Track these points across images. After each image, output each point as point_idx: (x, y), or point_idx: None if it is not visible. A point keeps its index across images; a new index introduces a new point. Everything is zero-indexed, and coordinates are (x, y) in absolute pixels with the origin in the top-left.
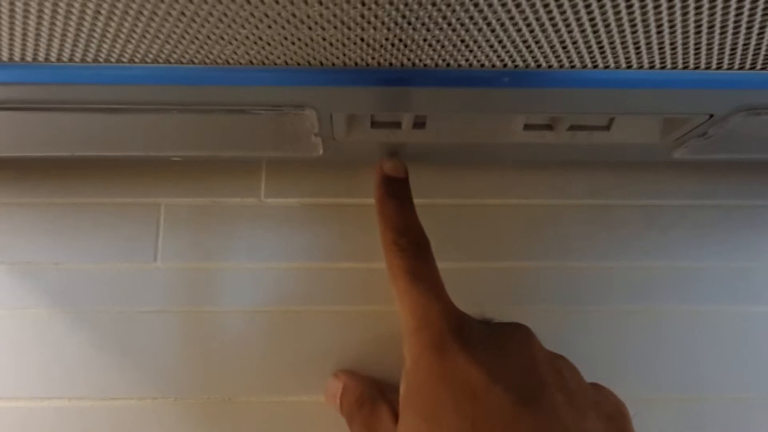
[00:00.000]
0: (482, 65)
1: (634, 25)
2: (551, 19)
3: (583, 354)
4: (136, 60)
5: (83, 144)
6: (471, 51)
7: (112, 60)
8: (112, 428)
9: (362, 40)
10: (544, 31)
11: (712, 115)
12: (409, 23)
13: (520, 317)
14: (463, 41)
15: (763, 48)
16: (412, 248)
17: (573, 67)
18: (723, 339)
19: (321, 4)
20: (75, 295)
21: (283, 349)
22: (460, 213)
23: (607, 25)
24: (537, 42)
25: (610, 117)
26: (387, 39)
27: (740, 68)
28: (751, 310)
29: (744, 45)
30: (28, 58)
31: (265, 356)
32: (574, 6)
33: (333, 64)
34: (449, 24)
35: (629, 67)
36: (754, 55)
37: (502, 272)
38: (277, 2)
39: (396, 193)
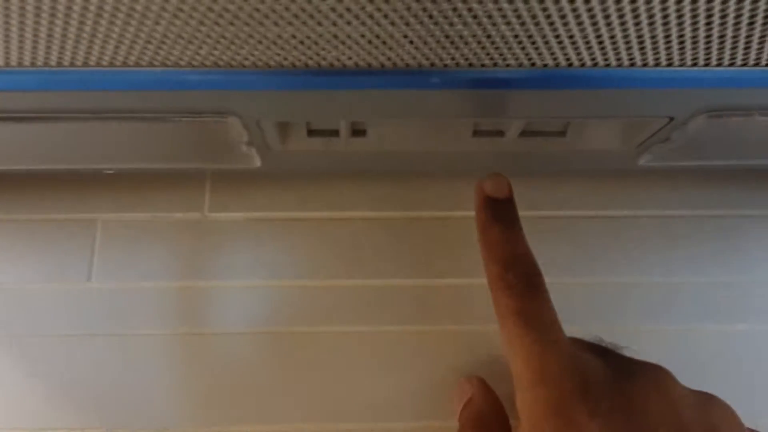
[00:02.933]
0: (407, 64)
1: (592, 18)
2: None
3: None
4: (38, 64)
5: (5, 157)
6: (391, 48)
7: (13, 65)
8: None
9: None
10: (493, 20)
11: (672, 118)
12: (336, 18)
13: None
14: (378, 36)
15: (728, 42)
16: (521, 284)
17: (521, 65)
18: (699, 361)
19: None
20: (4, 318)
21: (211, 376)
22: (414, 226)
23: (563, 16)
24: (474, 36)
25: (565, 122)
26: (309, 36)
27: (697, 65)
28: (729, 329)
29: (705, 39)
30: None
31: (201, 384)
32: None
33: (255, 66)
34: (357, 17)
35: (582, 65)
36: (719, 50)
37: (458, 287)
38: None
39: (500, 216)
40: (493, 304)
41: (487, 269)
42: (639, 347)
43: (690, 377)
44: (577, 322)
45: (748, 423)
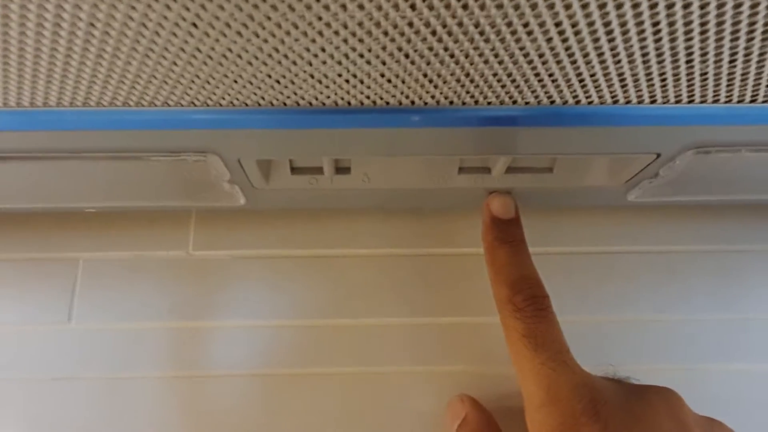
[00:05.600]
0: (387, 102)
1: (571, 57)
2: (473, 51)
3: None
4: (16, 104)
5: None
6: (369, 87)
7: None
8: None
9: (270, 76)
10: (471, 59)
11: (659, 155)
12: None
13: None
14: (355, 75)
15: (710, 80)
16: (530, 307)
17: (502, 103)
18: (698, 402)
19: (198, 35)
20: None
21: (197, 420)
22: (402, 263)
23: (542, 55)
24: (453, 74)
25: (551, 158)
26: (285, 75)
27: (681, 102)
28: (728, 368)
29: (687, 76)
30: None
31: (186, 428)
32: (499, 34)
33: (233, 104)
34: (332, 57)
35: (565, 103)
36: (702, 87)
37: (443, 327)
38: (159, 35)
39: (507, 237)
40: (501, 327)
41: (494, 291)
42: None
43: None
44: (577, 357)
45: None
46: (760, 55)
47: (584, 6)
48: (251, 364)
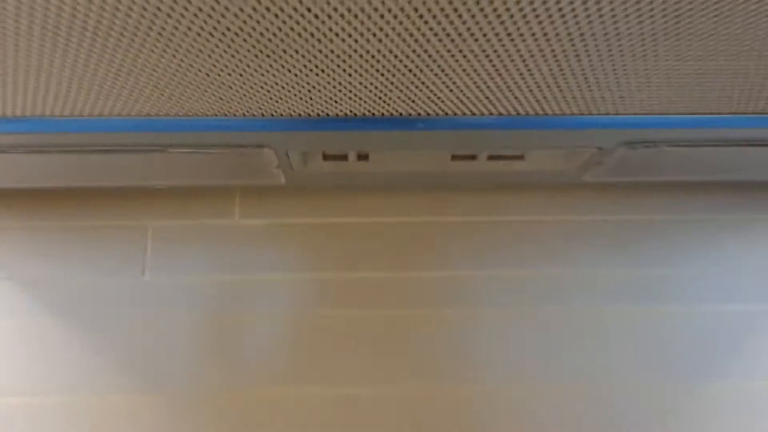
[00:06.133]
0: (400, 113)
1: (530, 88)
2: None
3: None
4: (136, 113)
5: (82, 177)
6: (388, 104)
7: (106, 114)
8: (101, 420)
9: (308, 93)
10: (462, 90)
11: (600, 148)
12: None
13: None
14: (380, 98)
15: (627, 100)
16: None
17: (483, 114)
18: (635, 335)
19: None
20: (76, 303)
21: (242, 349)
22: (403, 228)
23: (511, 89)
24: (447, 96)
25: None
26: (332, 97)
27: (613, 113)
28: (661, 309)
29: (611, 97)
30: (47, 113)
31: (234, 355)
32: (474, 68)
33: (283, 115)
34: (367, 87)
35: (527, 114)
36: (623, 105)
37: (444, 280)
38: (230, 74)
39: None
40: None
41: None
42: (580, 323)
43: (620, 348)
44: (542, 303)
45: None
46: (638, 89)
47: (545, 55)
48: (287, 307)
